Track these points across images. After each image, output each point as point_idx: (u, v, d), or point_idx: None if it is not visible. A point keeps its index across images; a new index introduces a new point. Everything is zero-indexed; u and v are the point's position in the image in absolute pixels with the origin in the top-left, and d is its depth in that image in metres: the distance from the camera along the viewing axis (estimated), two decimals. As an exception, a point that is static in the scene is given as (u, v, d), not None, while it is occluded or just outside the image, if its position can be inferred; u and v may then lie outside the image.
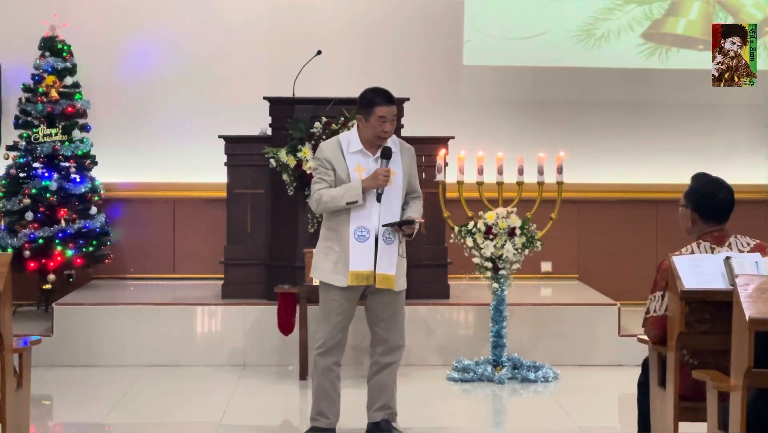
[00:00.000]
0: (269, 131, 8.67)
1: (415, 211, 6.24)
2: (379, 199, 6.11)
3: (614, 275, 9.92)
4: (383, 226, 6.12)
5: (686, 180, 5.46)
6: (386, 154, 6.14)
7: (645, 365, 5.49)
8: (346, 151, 6.17)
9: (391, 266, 6.14)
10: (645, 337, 5.34)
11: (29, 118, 9.26)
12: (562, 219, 8.58)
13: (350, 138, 6.21)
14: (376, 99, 6.15)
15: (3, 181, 9.21)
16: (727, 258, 4.96)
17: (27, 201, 9.05)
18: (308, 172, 7.86)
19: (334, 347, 6.26)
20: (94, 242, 9.29)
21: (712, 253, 5.16)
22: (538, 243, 7.89)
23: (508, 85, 10.24)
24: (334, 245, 6.17)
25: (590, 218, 10.20)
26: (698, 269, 4.96)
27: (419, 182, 6.42)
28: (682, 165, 9.32)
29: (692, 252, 5.19)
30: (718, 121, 10.28)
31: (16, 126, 9.30)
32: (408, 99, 8.63)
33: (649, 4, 10.32)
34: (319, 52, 8.54)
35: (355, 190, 6.09)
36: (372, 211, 6.13)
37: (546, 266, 10.09)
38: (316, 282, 6.40)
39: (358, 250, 6.10)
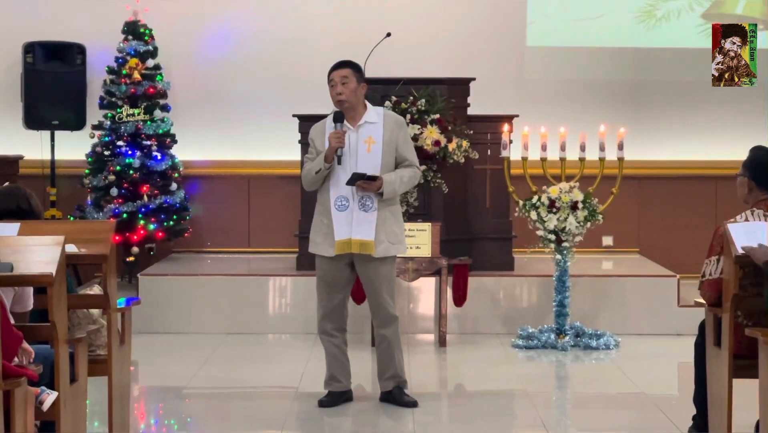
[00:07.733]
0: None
1: (393, 174, 6.30)
2: (339, 162, 6.25)
3: (674, 250, 9.98)
4: (346, 185, 6.25)
5: (745, 157, 5.63)
6: (337, 118, 6.33)
7: (702, 328, 5.70)
8: (329, 126, 6.39)
9: (369, 232, 6.27)
10: (701, 300, 5.54)
11: (113, 99, 9.56)
12: (623, 195, 8.69)
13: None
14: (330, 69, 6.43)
15: (89, 159, 9.55)
16: (780, 225, 5.12)
17: (111, 178, 9.37)
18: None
19: (331, 314, 6.48)
20: (174, 217, 9.59)
21: (766, 220, 5.34)
22: (600, 216, 8.06)
23: (570, 66, 10.37)
24: (324, 217, 6.37)
25: (651, 194, 10.32)
26: (752, 234, 5.12)
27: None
28: (741, 142, 9.20)
29: (746, 219, 5.39)
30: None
31: (101, 106, 9.60)
32: (474, 79, 8.84)
33: (710, -16, 10.43)
34: (388, 35, 8.67)
35: (320, 158, 6.31)
36: (345, 180, 6.27)
37: (607, 241, 10.21)
38: None
39: (339, 219, 6.29)
